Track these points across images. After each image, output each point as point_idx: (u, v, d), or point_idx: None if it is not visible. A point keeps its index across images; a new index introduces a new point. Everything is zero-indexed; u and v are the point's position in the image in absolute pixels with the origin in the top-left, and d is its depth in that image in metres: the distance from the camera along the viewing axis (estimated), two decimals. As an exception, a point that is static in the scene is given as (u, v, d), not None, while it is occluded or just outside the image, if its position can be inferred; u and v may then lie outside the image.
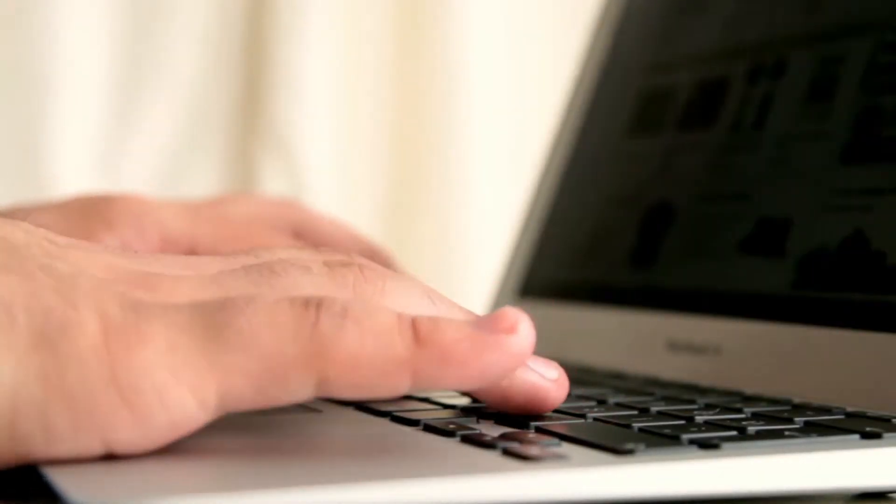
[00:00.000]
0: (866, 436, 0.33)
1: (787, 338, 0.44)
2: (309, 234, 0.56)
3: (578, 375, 0.44)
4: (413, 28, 0.97)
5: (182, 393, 0.29)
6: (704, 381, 0.45)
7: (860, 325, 0.41)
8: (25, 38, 0.86)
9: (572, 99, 0.63)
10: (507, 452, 0.30)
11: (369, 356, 0.30)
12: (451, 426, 0.34)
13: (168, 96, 0.91)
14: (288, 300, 0.30)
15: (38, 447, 0.29)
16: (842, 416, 0.37)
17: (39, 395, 0.28)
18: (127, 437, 0.29)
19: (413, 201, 0.96)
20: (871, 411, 0.38)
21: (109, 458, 0.29)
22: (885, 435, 0.33)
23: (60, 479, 0.27)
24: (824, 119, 0.47)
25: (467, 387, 0.33)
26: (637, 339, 0.50)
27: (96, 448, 0.29)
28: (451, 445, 0.32)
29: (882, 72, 0.45)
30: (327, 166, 0.94)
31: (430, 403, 0.39)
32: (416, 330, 0.31)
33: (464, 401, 0.39)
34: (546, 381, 0.35)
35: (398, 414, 0.36)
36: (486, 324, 0.31)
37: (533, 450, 0.30)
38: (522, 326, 0.31)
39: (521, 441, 0.31)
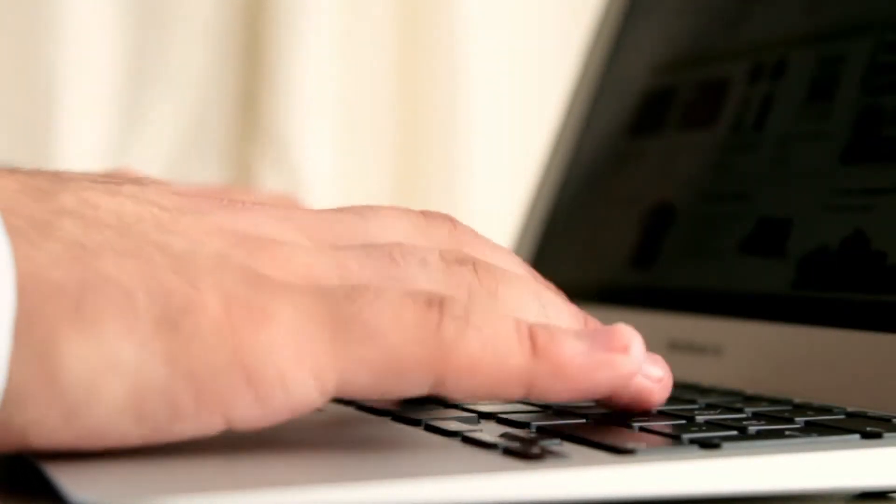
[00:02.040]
0: (867, 436, 0.33)
1: (787, 338, 0.44)
2: None
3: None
4: (413, 30, 0.97)
5: (304, 377, 0.30)
6: (705, 381, 0.45)
7: (860, 325, 0.41)
8: (30, 46, 0.87)
9: (574, 99, 0.64)
10: (508, 452, 0.30)
11: (488, 364, 0.31)
12: (452, 426, 0.34)
13: (168, 102, 0.92)
14: (411, 297, 0.31)
15: (162, 426, 0.29)
16: (842, 416, 0.37)
17: (164, 375, 0.29)
18: (247, 415, 0.29)
19: (413, 203, 0.96)
20: (872, 411, 0.38)
21: (108, 457, 0.29)
22: (886, 435, 0.33)
23: (61, 479, 0.27)
24: (824, 119, 0.47)
25: (575, 399, 0.33)
26: (637, 339, 0.50)
27: (218, 425, 0.29)
28: (453, 445, 0.32)
29: (882, 72, 0.45)
30: (326, 170, 0.94)
31: (432, 403, 0.39)
32: (534, 340, 0.31)
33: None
34: (651, 382, 0.35)
35: (399, 414, 0.36)
36: (601, 341, 0.32)
37: (534, 449, 0.30)
38: (635, 346, 0.32)
39: (521, 441, 0.31)
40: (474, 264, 0.34)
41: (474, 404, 0.38)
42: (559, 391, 0.32)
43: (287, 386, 0.29)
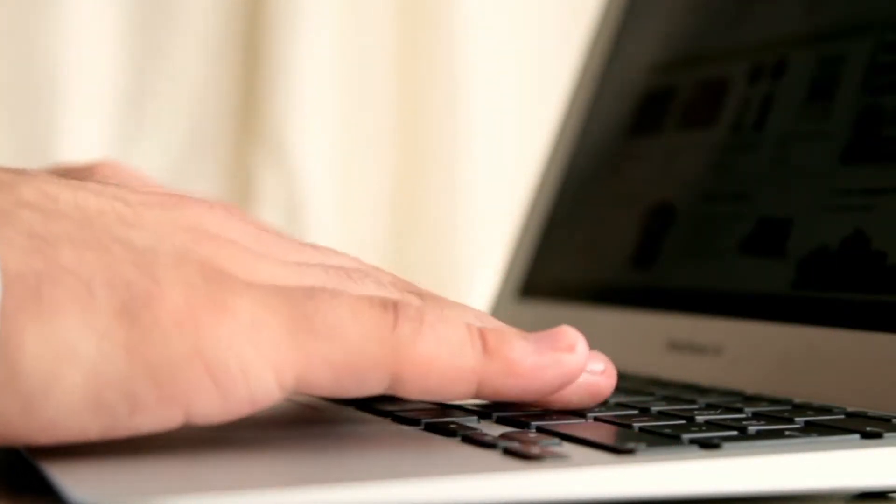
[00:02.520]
0: (867, 436, 0.33)
1: (787, 338, 0.44)
2: None
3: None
4: (413, 34, 0.97)
5: (265, 371, 0.30)
6: (705, 381, 0.45)
7: (860, 325, 0.41)
8: (30, 50, 0.87)
9: (573, 99, 0.64)
10: (508, 452, 0.30)
11: (443, 363, 0.32)
12: (452, 426, 0.34)
13: (168, 103, 0.92)
14: (367, 299, 0.32)
15: (121, 418, 0.29)
16: (842, 416, 0.37)
17: (123, 367, 0.29)
18: (208, 408, 0.30)
19: (413, 205, 0.96)
20: (872, 411, 0.38)
21: (108, 456, 0.29)
22: (886, 435, 0.33)
23: (61, 479, 0.27)
24: (824, 119, 0.47)
25: (525, 398, 0.35)
26: (638, 339, 0.50)
27: (178, 419, 0.30)
28: (452, 445, 0.32)
29: (882, 72, 0.45)
30: (326, 170, 0.94)
31: (431, 403, 0.39)
32: (485, 341, 0.33)
33: (464, 400, 0.39)
34: (595, 376, 0.36)
35: (399, 413, 0.36)
36: (548, 342, 0.34)
37: (534, 449, 0.30)
38: (580, 345, 0.34)
39: (521, 441, 0.31)
40: (421, 294, 0.36)
41: (473, 404, 0.38)
42: (511, 388, 0.33)
43: (248, 379, 0.30)
